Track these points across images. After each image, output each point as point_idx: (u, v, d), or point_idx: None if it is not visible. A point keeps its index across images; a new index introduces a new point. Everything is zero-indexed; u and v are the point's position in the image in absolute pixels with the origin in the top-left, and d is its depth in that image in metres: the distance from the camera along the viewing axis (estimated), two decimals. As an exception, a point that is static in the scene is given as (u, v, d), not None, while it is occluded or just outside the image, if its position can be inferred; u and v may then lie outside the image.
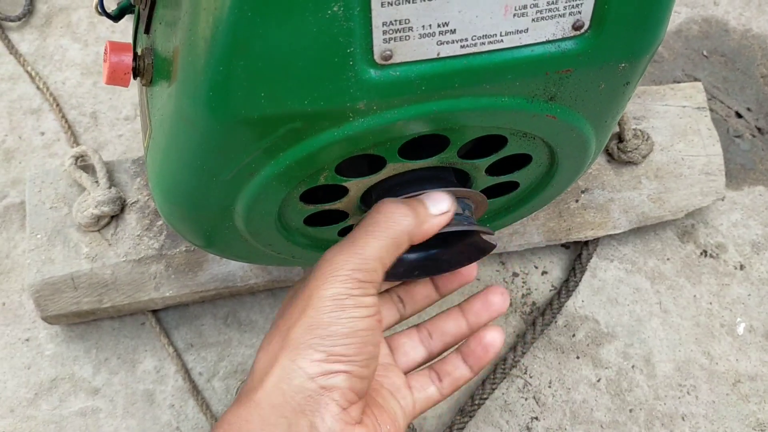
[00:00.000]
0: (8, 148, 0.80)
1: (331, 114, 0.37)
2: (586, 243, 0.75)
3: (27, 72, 0.82)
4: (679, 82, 0.86)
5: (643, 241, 0.78)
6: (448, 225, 0.45)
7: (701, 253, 0.78)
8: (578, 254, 0.75)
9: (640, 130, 0.72)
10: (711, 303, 0.75)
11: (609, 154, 0.74)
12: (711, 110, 0.84)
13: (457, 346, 0.51)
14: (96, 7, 0.46)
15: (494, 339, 0.49)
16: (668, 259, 0.77)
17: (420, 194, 0.45)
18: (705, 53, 0.88)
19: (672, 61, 0.88)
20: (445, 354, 0.51)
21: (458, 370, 0.50)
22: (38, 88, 0.81)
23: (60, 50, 0.86)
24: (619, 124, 0.72)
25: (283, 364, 0.40)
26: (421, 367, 0.51)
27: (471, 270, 0.51)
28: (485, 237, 0.48)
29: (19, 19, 0.85)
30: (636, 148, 0.71)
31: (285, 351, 0.40)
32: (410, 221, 0.43)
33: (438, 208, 0.44)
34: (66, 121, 0.79)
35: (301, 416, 0.39)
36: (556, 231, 0.72)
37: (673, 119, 0.76)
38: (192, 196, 0.44)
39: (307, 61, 0.34)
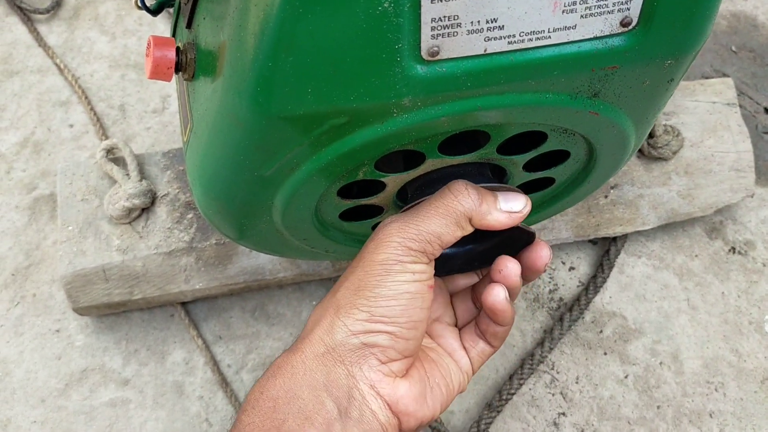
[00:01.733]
0: (37, 140, 0.80)
1: (376, 110, 0.37)
2: (614, 239, 0.75)
3: (56, 64, 0.82)
4: (707, 78, 0.86)
5: (671, 238, 0.77)
6: None
7: (729, 250, 0.77)
8: (606, 250, 0.75)
9: (671, 126, 0.72)
10: (739, 300, 0.75)
11: (639, 150, 0.73)
12: (740, 106, 0.84)
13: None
14: (136, 2, 0.46)
15: (497, 295, 0.47)
16: (696, 255, 0.77)
17: (496, 186, 0.45)
18: (734, 49, 0.88)
19: (700, 57, 0.87)
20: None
21: (490, 327, 0.49)
22: (67, 80, 0.82)
23: (88, 42, 0.86)
24: (650, 119, 0.72)
25: (329, 320, 0.43)
26: (464, 327, 0.51)
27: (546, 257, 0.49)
28: (523, 228, 0.48)
29: (48, 11, 0.86)
30: (666, 144, 0.71)
31: (332, 309, 0.43)
32: (475, 206, 0.43)
33: (508, 206, 0.44)
34: (94, 114, 0.80)
35: (339, 365, 0.42)
36: (584, 227, 0.72)
37: (703, 115, 0.75)
38: (232, 190, 0.44)
39: (355, 57, 0.34)
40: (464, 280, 0.53)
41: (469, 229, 0.44)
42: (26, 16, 0.84)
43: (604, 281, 0.74)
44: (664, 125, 0.72)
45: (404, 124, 0.38)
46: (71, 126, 0.81)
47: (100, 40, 0.86)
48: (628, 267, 0.76)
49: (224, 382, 0.69)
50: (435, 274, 0.50)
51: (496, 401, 0.68)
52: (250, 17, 0.34)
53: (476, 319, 0.50)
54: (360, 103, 0.36)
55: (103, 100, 0.82)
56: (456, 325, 0.51)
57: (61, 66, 0.82)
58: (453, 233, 0.43)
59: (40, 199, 0.77)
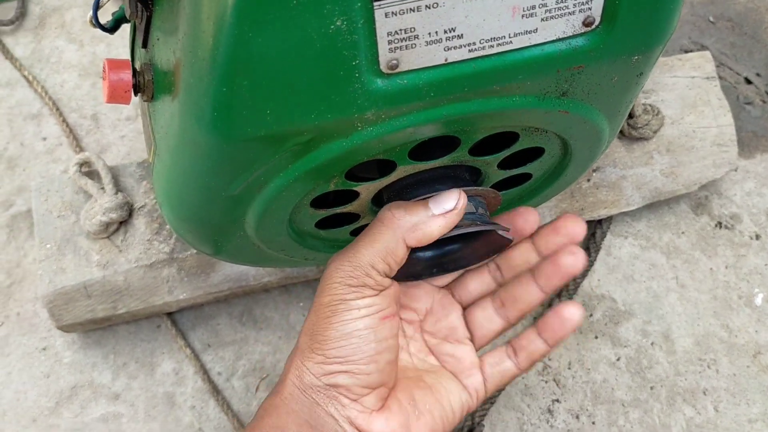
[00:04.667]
0: (11, 156, 0.79)
1: (339, 125, 0.36)
2: (600, 221, 0.75)
3: (24, 77, 0.81)
4: (686, 51, 0.85)
5: (657, 216, 0.77)
6: (459, 226, 0.44)
7: (716, 225, 0.77)
8: (592, 233, 0.75)
9: (650, 105, 0.71)
10: (728, 275, 0.74)
11: (620, 131, 0.72)
12: (720, 78, 0.83)
13: (534, 324, 0.50)
14: (90, 20, 0.45)
15: (573, 314, 0.47)
16: (683, 232, 0.76)
17: (431, 196, 0.44)
18: (711, 19, 0.87)
19: (678, 29, 0.86)
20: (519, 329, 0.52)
21: (533, 344, 0.49)
22: (36, 92, 0.80)
23: (56, 52, 0.84)
24: (628, 99, 0.71)
25: (297, 363, 0.44)
26: (497, 346, 0.51)
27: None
28: (501, 232, 0.48)
29: (12, 22, 0.84)
30: (647, 124, 0.70)
31: (297, 353, 0.45)
32: (405, 225, 0.43)
33: (441, 208, 0.43)
34: (67, 125, 0.78)
35: (316, 406, 0.43)
36: (569, 212, 0.71)
37: (682, 91, 0.74)
38: (201, 211, 0.44)
39: (312, 76, 0.33)
40: (477, 287, 0.52)
41: (405, 249, 0.43)
42: (-10, 28, 0.83)
43: (592, 264, 0.74)
44: (644, 104, 0.71)
45: (370, 136, 0.37)
46: (44, 139, 0.80)
47: (68, 48, 0.84)
48: (615, 248, 0.76)
49: (215, 390, 0.69)
50: (420, 278, 0.49)
51: (488, 393, 0.68)
52: (199, 42, 0.33)
53: (518, 336, 0.49)
54: (322, 120, 0.35)
55: (75, 110, 0.81)
56: (471, 340, 0.50)
57: (30, 78, 0.80)
58: (392, 258, 0.43)
59: (17, 216, 0.76)
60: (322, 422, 0.43)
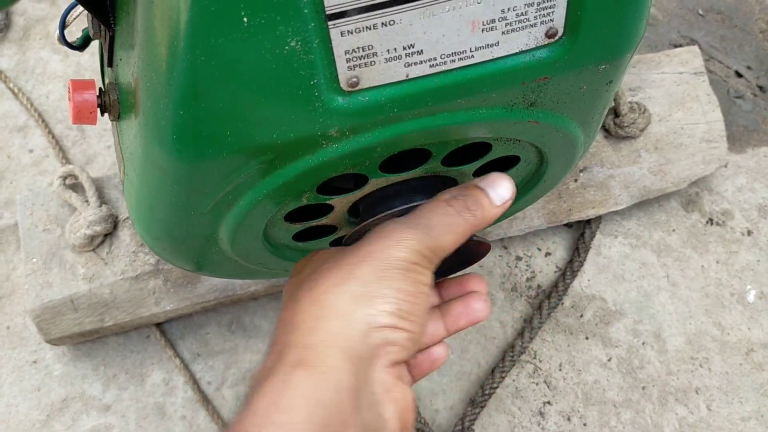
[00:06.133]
0: (-2, 169, 0.79)
1: (303, 143, 0.36)
2: (589, 221, 0.74)
3: (9, 89, 0.81)
4: (675, 45, 0.84)
5: (647, 214, 0.76)
6: None
7: (707, 222, 0.76)
8: (581, 233, 0.74)
9: (636, 103, 0.70)
10: (719, 272, 0.74)
11: (606, 130, 0.72)
12: (710, 71, 0.82)
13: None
14: (58, 38, 0.45)
15: (440, 354, 0.46)
16: (674, 230, 0.76)
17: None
18: (701, 12, 0.86)
19: (666, 23, 0.85)
20: None
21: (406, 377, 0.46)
22: (22, 104, 0.80)
23: (41, 63, 0.84)
24: (615, 98, 0.70)
25: (347, 308, 0.38)
26: None
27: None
28: (478, 240, 0.47)
29: (-3, 34, 0.84)
30: (633, 123, 0.69)
31: (347, 295, 0.38)
32: (478, 221, 0.42)
33: (500, 198, 0.43)
34: (53, 137, 0.78)
35: (361, 365, 0.37)
36: (556, 213, 0.71)
37: (670, 87, 0.74)
38: (172, 230, 0.43)
39: (270, 96, 0.33)
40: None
41: None
42: (-25, 41, 0.83)
43: (581, 265, 0.73)
44: (630, 102, 0.70)
45: (336, 153, 0.37)
46: (31, 151, 0.80)
47: (53, 59, 0.84)
48: (605, 248, 0.75)
49: (206, 400, 0.69)
50: None
51: (479, 396, 0.68)
52: (154, 67, 0.32)
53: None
54: (284, 138, 0.35)
55: (61, 121, 0.80)
56: None
57: (15, 90, 0.80)
58: (456, 247, 0.42)
59: (5, 229, 0.76)
60: (362, 389, 0.36)
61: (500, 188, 0.43)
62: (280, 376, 0.36)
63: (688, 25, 0.85)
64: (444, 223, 0.41)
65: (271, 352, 0.39)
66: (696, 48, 0.75)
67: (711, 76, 0.82)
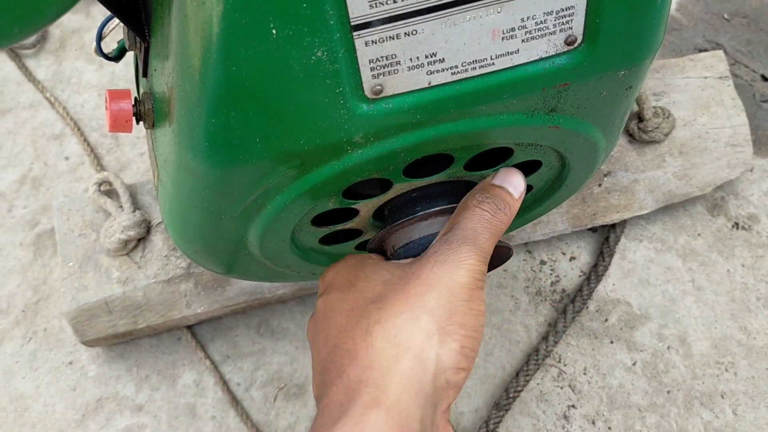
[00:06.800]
0: (35, 176, 0.82)
1: (329, 149, 0.37)
2: (613, 225, 0.74)
3: (46, 98, 0.83)
4: (700, 50, 0.84)
5: (672, 218, 0.76)
6: None
7: (733, 226, 0.76)
8: (606, 237, 0.74)
9: (661, 108, 0.71)
10: (745, 276, 0.74)
11: (630, 135, 0.72)
12: (735, 76, 0.82)
13: None
14: (95, 50, 0.47)
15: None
16: (699, 234, 0.76)
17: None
18: (726, 16, 0.85)
19: (691, 28, 0.85)
20: None
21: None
22: (58, 113, 0.83)
23: (76, 73, 0.87)
24: (638, 103, 0.70)
25: (421, 346, 0.36)
26: None
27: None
28: (502, 244, 0.48)
29: (34, 45, 0.87)
30: (657, 127, 0.70)
31: (420, 331, 0.37)
32: (509, 218, 0.44)
33: (518, 191, 0.44)
34: (88, 144, 0.81)
35: (429, 408, 0.36)
36: (580, 217, 0.72)
37: (694, 92, 0.74)
38: (203, 233, 0.45)
39: (298, 105, 0.34)
40: None
41: None
42: (14, 52, 0.86)
43: (606, 269, 0.74)
44: (654, 107, 0.71)
45: (360, 158, 0.38)
46: (67, 158, 0.82)
47: (88, 69, 0.86)
48: (630, 252, 0.75)
49: (235, 401, 0.71)
50: None
51: (503, 400, 0.69)
52: (187, 77, 0.34)
53: None
54: (311, 145, 0.36)
55: (96, 129, 0.83)
56: None
57: (52, 99, 0.83)
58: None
59: (42, 235, 0.79)
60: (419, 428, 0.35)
61: (515, 181, 0.44)
62: (355, 417, 0.35)
63: (714, 30, 0.85)
64: (486, 228, 0.42)
65: (340, 385, 0.37)
66: (721, 52, 0.75)
67: (736, 80, 0.82)
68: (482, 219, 0.42)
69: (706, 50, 0.83)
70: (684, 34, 0.85)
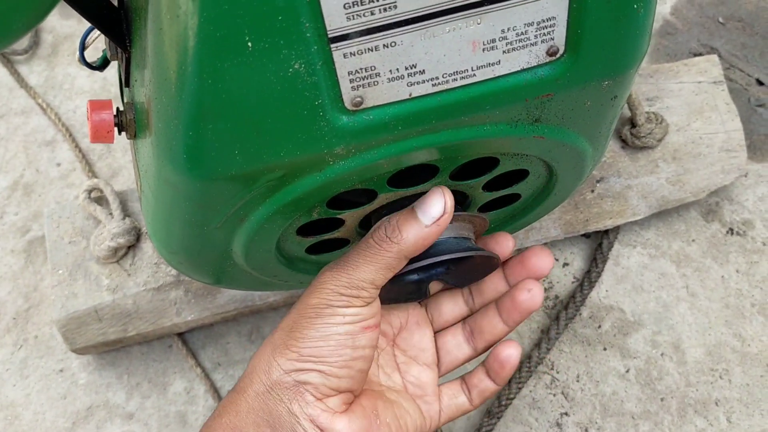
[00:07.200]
0: (27, 182, 0.81)
1: (310, 161, 0.37)
2: (606, 231, 0.74)
3: (38, 104, 0.83)
4: (695, 54, 0.83)
5: (666, 224, 0.76)
6: (445, 252, 0.44)
7: (727, 232, 0.75)
8: (599, 243, 0.74)
9: (654, 113, 0.70)
10: (740, 282, 0.73)
11: (623, 140, 0.72)
12: (730, 80, 0.81)
13: (482, 363, 0.52)
14: (78, 59, 0.46)
15: (510, 356, 0.49)
16: (693, 240, 0.75)
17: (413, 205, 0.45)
18: (721, 20, 0.85)
19: (686, 32, 0.85)
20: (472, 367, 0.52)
21: (483, 383, 0.51)
22: (50, 119, 0.82)
23: (69, 79, 0.86)
24: (631, 108, 0.70)
25: (266, 359, 0.45)
26: (453, 379, 0.52)
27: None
28: (486, 255, 0.48)
29: (26, 51, 0.86)
30: (650, 133, 0.69)
31: (269, 348, 0.45)
32: (405, 244, 0.43)
33: (431, 217, 0.43)
34: (80, 151, 0.80)
35: (279, 402, 0.43)
36: (573, 223, 0.71)
37: (688, 97, 0.73)
38: (187, 243, 0.45)
39: (276, 117, 0.34)
40: (450, 311, 0.52)
41: (403, 264, 0.44)
42: (5, 58, 0.85)
43: (599, 275, 0.73)
44: (647, 113, 0.70)
45: (342, 170, 0.38)
46: (59, 165, 0.82)
47: (80, 75, 0.86)
48: (623, 258, 0.75)
49: (226, 409, 0.70)
50: (398, 302, 0.50)
51: (495, 407, 0.68)
52: (164, 89, 0.33)
53: (470, 373, 0.50)
54: (291, 157, 0.36)
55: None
56: (438, 364, 0.51)
57: (44, 105, 0.83)
58: (386, 276, 0.44)
59: (34, 241, 0.78)
60: (282, 421, 0.43)
61: (430, 207, 0.43)
62: (216, 411, 0.45)
63: (708, 34, 0.84)
64: (361, 256, 0.44)
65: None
66: (715, 57, 0.75)
67: (731, 84, 0.81)
68: (363, 248, 0.44)
69: (700, 54, 0.83)
70: (678, 38, 0.84)
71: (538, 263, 0.49)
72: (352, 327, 0.43)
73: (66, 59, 0.87)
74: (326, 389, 0.44)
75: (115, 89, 0.85)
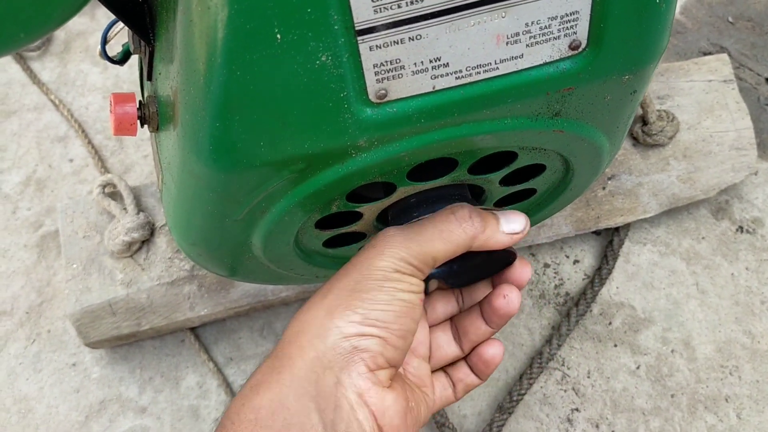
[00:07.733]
0: (39, 178, 0.82)
1: (333, 153, 0.37)
2: (617, 229, 0.74)
3: (51, 101, 0.83)
4: (704, 53, 0.84)
5: (676, 222, 0.76)
6: None
7: (737, 229, 0.76)
8: (609, 240, 0.74)
9: (665, 111, 0.71)
10: (750, 280, 0.73)
11: (634, 138, 0.72)
12: (740, 79, 0.82)
13: (465, 356, 0.51)
14: (100, 53, 0.47)
15: (494, 355, 0.49)
16: (703, 238, 0.76)
17: (496, 210, 0.45)
18: (730, 19, 0.85)
19: (696, 31, 0.85)
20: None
21: (469, 378, 0.51)
22: (63, 115, 0.83)
23: (81, 75, 0.87)
24: (642, 106, 0.70)
25: (319, 323, 0.41)
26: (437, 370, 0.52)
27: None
28: (506, 250, 0.48)
29: (39, 48, 0.87)
30: (661, 131, 0.70)
31: (322, 312, 0.41)
32: (478, 233, 0.43)
33: (510, 227, 0.45)
34: (92, 147, 0.81)
35: (328, 371, 0.40)
36: (584, 220, 0.72)
37: (698, 95, 0.74)
38: (207, 236, 0.45)
39: (302, 109, 0.34)
40: (443, 309, 0.52)
41: (462, 252, 0.44)
42: (19, 54, 0.86)
43: (610, 272, 0.74)
44: (658, 111, 0.71)
45: (365, 162, 0.38)
46: (71, 161, 0.82)
47: (92, 71, 0.87)
48: (634, 255, 0.75)
49: (238, 403, 0.70)
50: None
51: (507, 403, 0.69)
52: (192, 81, 0.34)
53: (452, 365, 0.50)
54: (315, 149, 0.36)
55: (100, 132, 0.83)
56: (429, 360, 0.51)
57: (56, 102, 0.83)
58: (448, 257, 0.43)
59: (47, 236, 0.79)
60: (326, 393, 0.39)
61: (512, 221, 0.45)
62: (252, 381, 0.41)
63: (718, 33, 0.85)
64: (438, 229, 0.43)
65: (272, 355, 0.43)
66: (725, 56, 0.75)
67: (741, 83, 0.82)
68: (441, 221, 0.43)
69: (710, 53, 0.83)
70: (688, 38, 0.85)
71: (514, 273, 0.49)
72: (415, 297, 0.42)
73: (78, 56, 0.88)
74: (382, 359, 0.41)
75: (127, 86, 0.86)
